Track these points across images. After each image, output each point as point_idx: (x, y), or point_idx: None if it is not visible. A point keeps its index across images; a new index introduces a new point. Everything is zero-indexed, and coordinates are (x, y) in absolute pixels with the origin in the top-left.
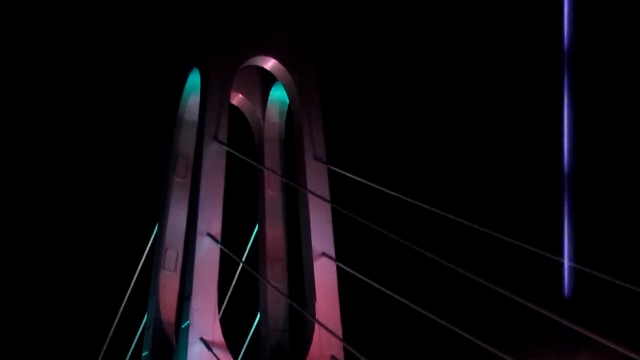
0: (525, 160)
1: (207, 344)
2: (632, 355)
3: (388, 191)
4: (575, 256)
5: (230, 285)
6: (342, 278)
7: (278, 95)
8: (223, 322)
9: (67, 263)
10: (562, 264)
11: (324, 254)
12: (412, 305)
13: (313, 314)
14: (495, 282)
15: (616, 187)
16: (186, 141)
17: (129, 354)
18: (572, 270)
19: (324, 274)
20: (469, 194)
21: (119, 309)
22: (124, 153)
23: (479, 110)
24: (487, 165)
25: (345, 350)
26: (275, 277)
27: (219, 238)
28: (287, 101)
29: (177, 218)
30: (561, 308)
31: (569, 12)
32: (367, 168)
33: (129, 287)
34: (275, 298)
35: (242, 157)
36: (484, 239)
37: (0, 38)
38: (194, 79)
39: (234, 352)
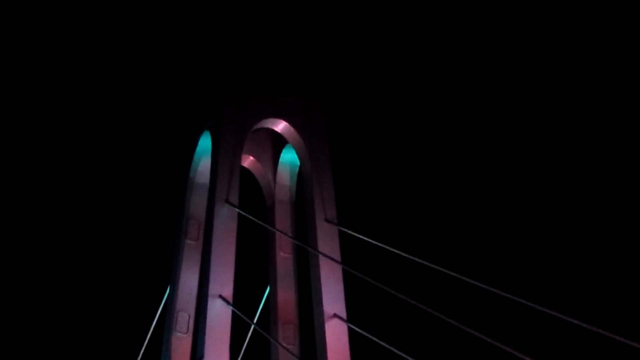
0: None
1: None
2: None
3: (400, 252)
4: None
5: (242, 347)
6: (354, 339)
7: (289, 157)
8: None
9: (79, 321)
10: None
11: (335, 316)
12: None
13: None
14: (508, 343)
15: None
16: (197, 204)
17: None
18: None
19: (336, 336)
20: (483, 254)
21: None
22: (135, 217)
23: (489, 153)
24: (499, 221)
25: None
26: (287, 339)
27: (230, 300)
28: (298, 163)
29: (188, 280)
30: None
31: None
32: (378, 229)
33: (140, 351)
34: None
35: (254, 219)
36: (505, 304)
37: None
38: (205, 142)
39: None
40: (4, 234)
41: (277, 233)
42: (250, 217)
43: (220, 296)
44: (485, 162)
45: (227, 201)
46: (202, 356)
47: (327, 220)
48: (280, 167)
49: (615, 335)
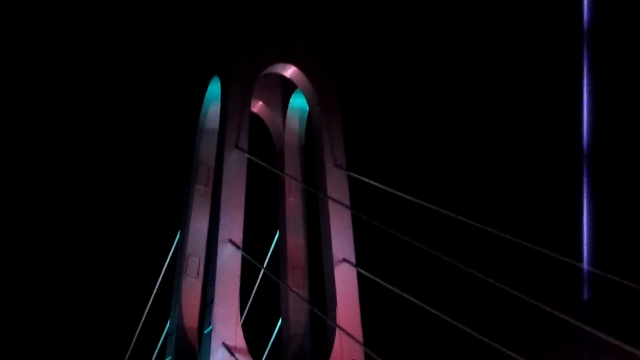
0: (545, 161)
1: (230, 350)
2: None
3: (408, 197)
4: (594, 259)
5: (251, 292)
6: (363, 283)
7: (298, 102)
8: (245, 327)
9: (91, 271)
10: (581, 267)
11: (344, 260)
12: (432, 310)
13: (334, 319)
14: (515, 287)
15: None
16: (207, 149)
17: None
18: (591, 273)
19: (345, 280)
20: (490, 199)
21: (143, 315)
22: (146, 162)
23: (501, 111)
24: (509, 172)
25: (366, 355)
26: (296, 283)
27: (240, 245)
28: (307, 108)
29: (199, 225)
30: (580, 311)
31: None
32: (386, 174)
33: (152, 294)
34: (296, 304)
35: (263, 164)
36: (504, 244)
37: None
38: (215, 88)
39: (256, 357)
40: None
41: (287, 178)
42: (260, 162)
43: (230, 241)
44: (494, 105)
45: (236, 146)
46: (212, 300)
47: (337, 166)
48: (289, 113)
49: None
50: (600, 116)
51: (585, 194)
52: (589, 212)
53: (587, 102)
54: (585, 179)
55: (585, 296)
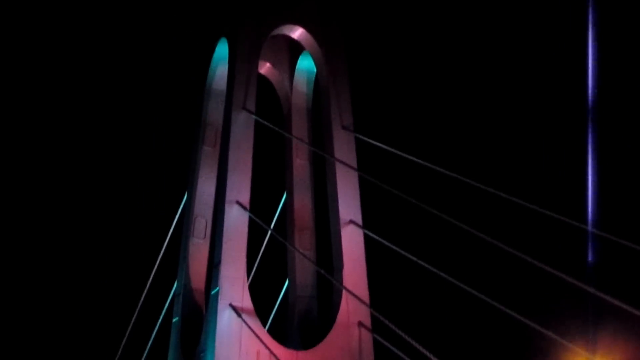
0: (549, 118)
1: (236, 310)
2: None
3: (414, 159)
4: (600, 223)
5: (258, 253)
6: (370, 245)
7: (305, 64)
8: (252, 289)
9: (99, 230)
10: (586, 231)
11: (351, 222)
12: (439, 272)
13: (341, 281)
14: (520, 249)
15: None
16: (215, 110)
17: (160, 320)
18: (596, 236)
19: (352, 242)
20: (495, 159)
21: (150, 277)
22: (154, 123)
23: (505, 67)
24: (514, 131)
25: (372, 316)
26: (303, 245)
27: (247, 206)
28: (315, 70)
29: (206, 186)
30: (585, 274)
31: None
32: (394, 136)
33: (159, 255)
34: (303, 265)
35: (270, 126)
36: (509, 206)
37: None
38: (222, 49)
39: (263, 318)
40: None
41: (294, 140)
42: (267, 123)
43: (238, 202)
44: (499, 61)
45: (244, 108)
46: (219, 261)
47: (344, 127)
48: (297, 74)
49: None
50: (606, 70)
51: (590, 153)
52: (594, 173)
53: (592, 56)
54: (590, 137)
55: (590, 259)
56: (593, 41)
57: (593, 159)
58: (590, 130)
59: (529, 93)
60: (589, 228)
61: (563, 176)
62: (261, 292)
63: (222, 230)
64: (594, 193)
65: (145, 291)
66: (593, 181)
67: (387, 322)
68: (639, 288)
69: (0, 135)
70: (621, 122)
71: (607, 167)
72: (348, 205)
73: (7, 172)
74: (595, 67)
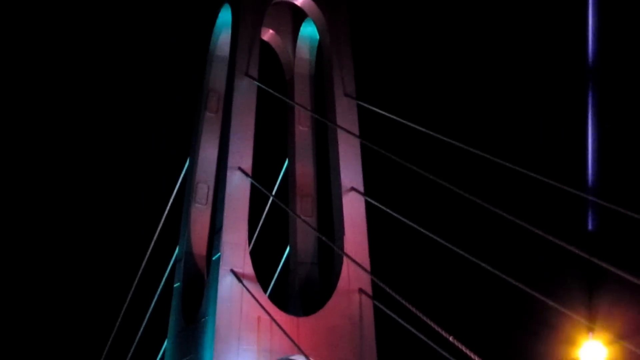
0: (548, 79)
1: (238, 276)
2: None
3: (416, 126)
4: (600, 190)
5: (260, 219)
6: (371, 212)
7: (308, 31)
8: (253, 255)
9: (101, 196)
10: (586, 199)
11: (352, 189)
12: (439, 239)
13: (342, 248)
14: (519, 217)
15: None
16: (217, 77)
17: (161, 286)
18: (596, 204)
19: (353, 208)
20: (497, 126)
21: (151, 242)
22: (157, 89)
23: (505, 29)
24: (514, 97)
25: (373, 283)
26: (304, 212)
27: (249, 172)
28: (318, 37)
29: (208, 153)
30: (585, 242)
31: None
32: (396, 103)
33: (160, 220)
34: (304, 232)
35: (273, 92)
36: (510, 173)
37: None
38: (225, 15)
39: (264, 284)
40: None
41: (296, 107)
42: (270, 90)
43: (240, 168)
44: (500, 25)
45: (246, 74)
46: (220, 227)
47: (346, 95)
48: (299, 41)
49: None
50: (606, 30)
51: (590, 117)
52: (594, 137)
53: (593, 15)
54: (590, 100)
55: (590, 227)
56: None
57: (593, 123)
58: (590, 93)
59: (528, 54)
60: (589, 196)
61: (563, 141)
62: (262, 258)
63: (223, 196)
64: (593, 159)
65: (147, 256)
66: (593, 146)
67: (387, 288)
68: (638, 256)
69: None
70: (622, 85)
71: (608, 131)
72: (350, 172)
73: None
74: (595, 27)
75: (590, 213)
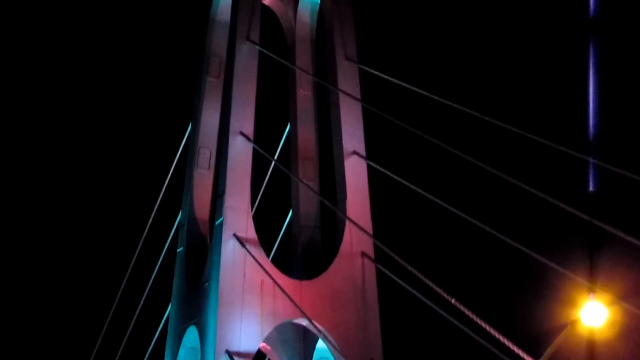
0: (548, 36)
1: (240, 240)
2: None
3: (417, 90)
4: (601, 150)
5: (262, 184)
6: (373, 176)
7: None
8: (256, 219)
9: (103, 161)
10: (587, 160)
11: (354, 153)
12: (441, 202)
13: (344, 211)
14: (520, 179)
15: None
16: (219, 41)
17: (164, 251)
18: (597, 166)
19: (355, 172)
20: (499, 89)
21: (154, 207)
22: (158, 53)
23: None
24: (516, 56)
25: (375, 246)
26: (306, 176)
27: (251, 137)
28: (319, 1)
29: (210, 117)
30: (585, 204)
31: None
32: (398, 66)
33: (163, 186)
34: (306, 196)
35: (274, 57)
36: (509, 135)
37: None
38: None
39: (267, 248)
40: None
41: (298, 71)
42: (271, 54)
43: (242, 133)
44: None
45: (248, 39)
46: (223, 191)
47: (347, 58)
48: (301, 5)
49: None
50: None
51: (591, 73)
52: (595, 96)
53: None
54: (591, 53)
55: (591, 188)
56: None
57: (594, 79)
58: (591, 46)
59: (527, 7)
60: (590, 157)
61: (563, 99)
62: (265, 223)
63: (226, 161)
64: (595, 116)
65: (150, 222)
66: (594, 104)
67: (390, 252)
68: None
69: None
70: (625, 38)
71: (610, 88)
72: (351, 136)
73: None
74: None
75: (591, 174)
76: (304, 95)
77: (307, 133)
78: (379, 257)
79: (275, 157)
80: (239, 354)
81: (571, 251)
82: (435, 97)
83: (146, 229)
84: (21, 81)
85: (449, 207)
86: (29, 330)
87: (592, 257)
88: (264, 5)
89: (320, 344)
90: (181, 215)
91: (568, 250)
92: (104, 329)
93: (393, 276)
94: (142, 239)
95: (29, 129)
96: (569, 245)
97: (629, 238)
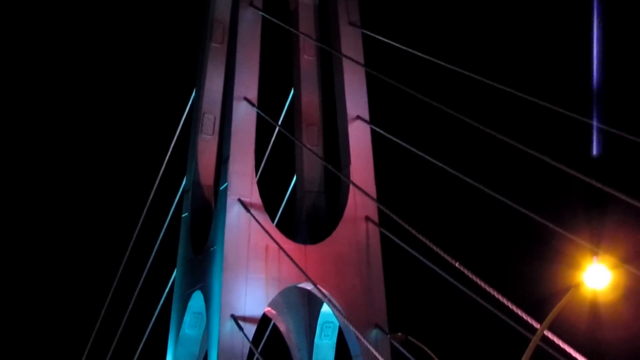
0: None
1: (245, 205)
2: None
3: (420, 54)
4: (604, 116)
5: (266, 149)
6: (376, 140)
7: None
8: (260, 184)
9: (107, 131)
10: (590, 124)
11: (358, 117)
12: (445, 167)
13: (348, 176)
14: (524, 142)
15: None
16: (222, 7)
17: (169, 216)
18: (601, 130)
19: (358, 137)
20: (504, 55)
21: (159, 173)
22: (161, 20)
23: None
24: (522, 25)
25: (379, 211)
26: (310, 141)
27: (255, 102)
28: None
29: (214, 83)
30: (589, 167)
31: None
32: (400, 31)
33: (167, 152)
34: (310, 161)
35: (278, 22)
36: (515, 100)
37: None
38: None
39: (271, 213)
40: None
41: (301, 36)
42: (275, 20)
43: (245, 98)
44: None
45: (251, 4)
46: (227, 157)
47: (351, 23)
48: None
49: None
50: None
51: (595, 31)
52: (599, 62)
53: None
54: (595, 15)
55: (595, 152)
56: None
57: (598, 35)
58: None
59: None
60: (594, 121)
61: (567, 62)
62: (269, 188)
63: (230, 127)
64: (598, 82)
65: (155, 188)
66: (598, 69)
67: (394, 216)
68: None
69: None
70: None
71: (613, 45)
72: (355, 101)
73: None
74: None
75: (595, 138)
76: (308, 60)
77: (310, 98)
78: (383, 221)
79: (279, 122)
80: (244, 319)
81: (575, 214)
82: (436, 60)
83: (151, 195)
84: (21, 53)
85: (453, 171)
86: (42, 296)
87: (595, 221)
88: None
89: (325, 308)
90: (186, 181)
91: (572, 213)
92: (109, 296)
93: (397, 240)
94: (147, 206)
95: (33, 101)
96: (573, 209)
97: (632, 201)
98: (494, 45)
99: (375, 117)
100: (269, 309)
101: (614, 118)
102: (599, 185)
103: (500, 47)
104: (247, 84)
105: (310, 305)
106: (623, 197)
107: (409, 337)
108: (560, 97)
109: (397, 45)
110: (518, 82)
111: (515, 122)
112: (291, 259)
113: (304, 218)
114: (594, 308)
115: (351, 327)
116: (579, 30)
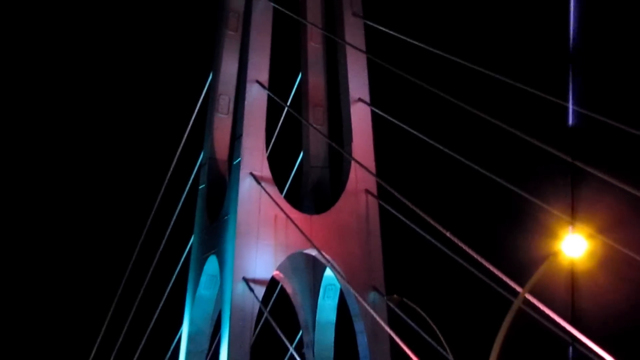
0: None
1: (256, 178)
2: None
3: (418, 43)
4: (581, 85)
5: (276, 127)
6: (376, 121)
7: None
8: (270, 159)
9: (132, 110)
10: (566, 94)
11: (360, 100)
12: (439, 146)
13: (350, 153)
14: (500, 116)
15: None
16: None
17: (187, 187)
18: (577, 99)
19: (360, 117)
20: (497, 38)
21: (178, 148)
22: (180, 10)
23: None
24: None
25: (378, 184)
26: (316, 120)
27: (266, 85)
28: None
29: (229, 67)
30: (565, 138)
31: None
32: (402, 22)
33: (186, 129)
34: (316, 139)
35: (287, 12)
36: (503, 86)
37: None
38: None
39: (280, 186)
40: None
41: (308, 25)
42: (285, 10)
43: (258, 81)
44: None
45: None
46: (240, 134)
47: (354, 14)
48: None
49: None
50: None
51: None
52: (575, 29)
53: None
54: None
55: (570, 122)
56: None
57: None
58: None
59: None
60: (570, 93)
61: (542, 30)
62: (278, 162)
63: (243, 107)
64: (574, 49)
65: (175, 161)
66: (574, 37)
67: (391, 189)
68: (618, 152)
69: None
70: None
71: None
72: (357, 84)
73: None
74: None
75: (570, 109)
76: (314, 47)
77: (316, 82)
78: (382, 194)
79: (288, 103)
80: (254, 281)
81: (552, 185)
82: (441, 52)
83: (171, 169)
84: (27, 49)
85: (442, 148)
86: (60, 280)
87: (572, 191)
88: None
89: (328, 272)
90: (203, 156)
91: (549, 184)
92: (133, 258)
93: (394, 211)
94: (168, 178)
95: (43, 93)
96: (550, 179)
97: (605, 177)
98: (489, 33)
99: (376, 100)
100: (277, 272)
101: (591, 87)
102: (576, 163)
103: (495, 36)
104: (259, 68)
105: (314, 269)
106: (597, 173)
107: (404, 299)
108: (536, 67)
109: (396, 34)
110: (493, 53)
111: (493, 95)
112: (298, 227)
113: (309, 190)
114: (572, 275)
115: (351, 289)
116: None
